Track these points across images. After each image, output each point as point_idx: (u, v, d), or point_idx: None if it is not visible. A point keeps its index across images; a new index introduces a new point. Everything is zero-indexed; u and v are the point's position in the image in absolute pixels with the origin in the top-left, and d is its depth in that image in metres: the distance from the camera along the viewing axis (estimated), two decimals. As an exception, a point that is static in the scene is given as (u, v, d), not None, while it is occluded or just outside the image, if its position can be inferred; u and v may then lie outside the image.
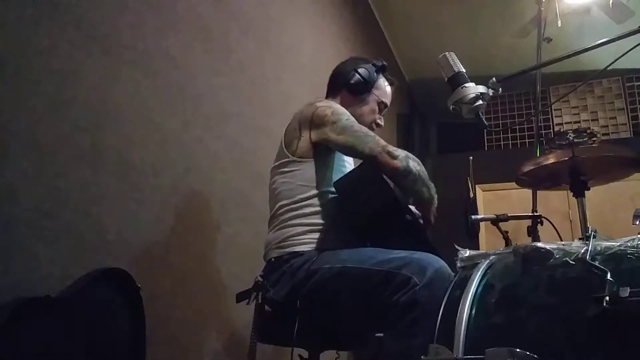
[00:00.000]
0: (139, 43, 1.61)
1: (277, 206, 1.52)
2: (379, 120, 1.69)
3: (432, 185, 1.46)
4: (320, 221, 1.44)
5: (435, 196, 1.47)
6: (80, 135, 1.36)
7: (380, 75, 1.69)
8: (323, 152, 1.51)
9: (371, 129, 1.64)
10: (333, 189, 1.47)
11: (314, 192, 1.47)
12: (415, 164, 1.41)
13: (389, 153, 1.39)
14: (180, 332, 1.69)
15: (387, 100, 1.70)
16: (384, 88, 1.69)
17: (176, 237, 1.72)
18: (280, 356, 1.92)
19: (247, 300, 1.38)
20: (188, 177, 1.80)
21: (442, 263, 1.22)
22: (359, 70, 1.63)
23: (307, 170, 1.50)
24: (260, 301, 1.38)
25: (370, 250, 1.34)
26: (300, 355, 1.42)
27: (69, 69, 1.35)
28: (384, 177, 1.38)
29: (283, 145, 1.56)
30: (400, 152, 1.41)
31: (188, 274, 1.77)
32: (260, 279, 1.39)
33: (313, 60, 3.00)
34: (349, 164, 1.60)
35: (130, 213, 1.52)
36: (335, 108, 1.50)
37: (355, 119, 1.54)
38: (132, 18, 1.59)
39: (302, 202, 1.47)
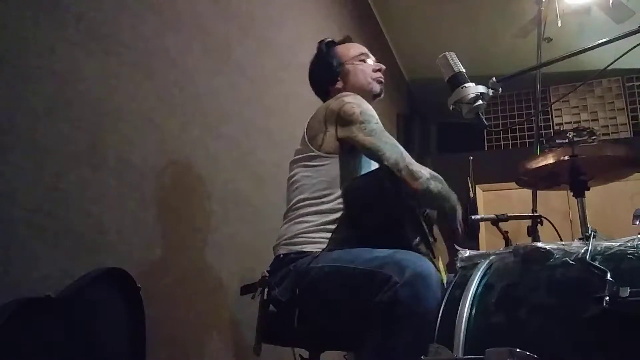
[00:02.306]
0: (139, 43, 1.61)
1: (295, 199, 1.49)
2: (375, 67, 1.68)
3: (453, 196, 1.43)
4: (336, 221, 1.42)
5: (458, 205, 1.44)
6: (80, 135, 1.36)
7: (334, 48, 1.70)
8: (350, 150, 1.47)
9: (379, 82, 1.67)
10: None
11: (336, 190, 1.45)
12: (436, 185, 1.38)
13: (411, 173, 1.36)
14: (180, 332, 1.69)
15: (361, 49, 1.70)
16: (348, 48, 1.70)
17: (176, 237, 1.72)
18: (280, 356, 1.92)
19: (252, 294, 1.38)
20: (188, 177, 1.80)
21: (423, 261, 1.20)
22: (321, 61, 1.67)
23: (333, 167, 1.47)
24: (265, 297, 1.38)
25: (359, 249, 1.32)
26: (300, 355, 1.42)
27: (69, 69, 1.35)
28: (397, 190, 1.36)
29: (306, 139, 1.53)
30: (423, 174, 1.37)
31: (188, 274, 1.77)
32: (266, 274, 1.39)
33: (313, 60, 3.00)
34: (374, 164, 1.55)
35: (130, 213, 1.52)
36: (365, 108, 1.46)
37: (363, 90, 1.59)
38: (132, 18, 1.59)
39: (322, 198, 1.45)
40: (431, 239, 1.48)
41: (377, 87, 1.67)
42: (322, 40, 1.72)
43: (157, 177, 1.64)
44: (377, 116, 1.48)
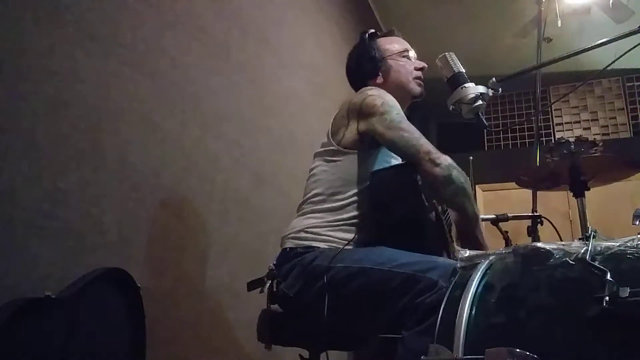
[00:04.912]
0: (139, 43, 1.61)
1: (312, 192, 1.48)
2: (417, 64, 1.64)
3: (474, 201, 1.41)
4: (350, 220, 1.41)
5: (479, 214, 1.41)
6: (80, 136, 1.36)
7: (377, 40, 1.66)
8: (369, 145, 1.45)
9: (419, 84, 1.62)
10: None
11: (352, 187, 1.43)
12: (459, 175, 1.35)
13: (431, 160, 1.33)
14: (180, 332, 1.69)
15: (405, 45, 1.66)
16: (391, 43, 1.66)
17: (176, 237, 1.72)
18: (280, 356, 1.92)
19: (260, 288, 1.37)
20: (188, 177, 1.80)
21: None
22: (363, 55, 1.62)
23: (350, 163, 1.45)
24: (275, 289, 1.37)
25: (387, 251, 1.30)
26: (300, 355, 1.42)
27: (69, 69, 1.35)
28: (418, 186, 1.34)
29: (329, 133, 1.51)
30: (444, 161, 1.34)
31: (188, 274, 1.77)
32: (273, 267, 1.38)
33: (313, 60, 3.00)
34: (395, 159, 1.53)
35: (130, 213, 1.52)
36: (387, 100, 1.44)
37: (403, 89, 1.57)
38: (132, 18, 1.59)
39: (335, 195, 1.43)
40: (448, 239, 1.47)
41: (417, 89, 1.63)
42: (365, 30, 1.66)
43: (157, 177, 1.64)
44: (399, 107, 1.45)
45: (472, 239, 1.41)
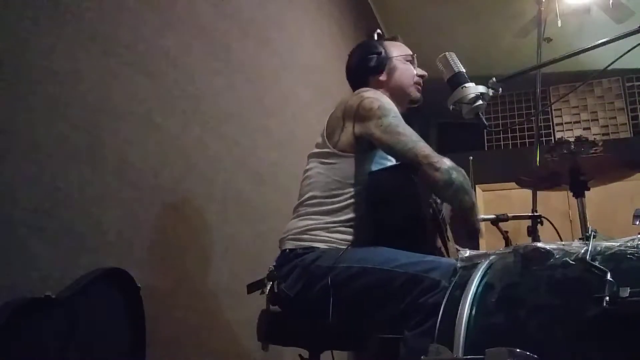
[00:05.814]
0: (138, 43, 1.61)
1: (308, 195, 1.48)
2: (418, 73, 1.66)
3: (472, 192, 1.41)
4: (347, 222, 1.41)
5: (476, 202, 1.42)
6: (79, 135, 1.36)
7: (383, 42, 1.68)
8: (365, 148, 1.45)
9: (418, 89, 1.65)
10: None
11: (349, 190, 1.43)
12: (457, 175, 1.35)
13: (430, 164, 1.33)
14: (180, 332, 1.69)
15: (408, 51, 1.68)
16: (397, 46, 1.68)
17: (176, 237, 1.72)
18: (280, 356, 1.92)
19: (261, 290, 1.37)
20: (188, 177, 1.80)
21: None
22: (370, 51, 1.63)
23: (347, 167, 1.45)
24: (276, 290, 1.37)
25: (387, 251, 1.30)
26: (300, 355, 1.42)
27: (69, 69, 1.35)
28: (416, 186, 1.34)
29: (325, 135, 1.51)
30: (443, 164, 1.34)
31: (188, 274, 1.77)
32: (273, 268, 1.39)
33: (313, 60, 3.00)
34: (390, 160, 1.53)
35: (130, 213, 1.52)
36: (383, 102, 1.44)
37: (403, 91, 1.60)
38: (132, 18, 1.59)
39: (334, 197, 1.43)
40: (446, 239, 1.47)
41: (416, 94, 1.65)
42: (372, 31, 1.72)
43: (157, 177, 1.64)
44: (395, 109, 1.45)
45: (473, 229, 1.42)
